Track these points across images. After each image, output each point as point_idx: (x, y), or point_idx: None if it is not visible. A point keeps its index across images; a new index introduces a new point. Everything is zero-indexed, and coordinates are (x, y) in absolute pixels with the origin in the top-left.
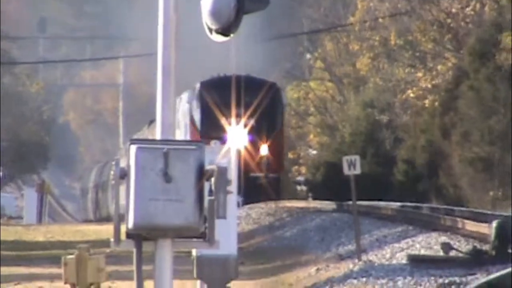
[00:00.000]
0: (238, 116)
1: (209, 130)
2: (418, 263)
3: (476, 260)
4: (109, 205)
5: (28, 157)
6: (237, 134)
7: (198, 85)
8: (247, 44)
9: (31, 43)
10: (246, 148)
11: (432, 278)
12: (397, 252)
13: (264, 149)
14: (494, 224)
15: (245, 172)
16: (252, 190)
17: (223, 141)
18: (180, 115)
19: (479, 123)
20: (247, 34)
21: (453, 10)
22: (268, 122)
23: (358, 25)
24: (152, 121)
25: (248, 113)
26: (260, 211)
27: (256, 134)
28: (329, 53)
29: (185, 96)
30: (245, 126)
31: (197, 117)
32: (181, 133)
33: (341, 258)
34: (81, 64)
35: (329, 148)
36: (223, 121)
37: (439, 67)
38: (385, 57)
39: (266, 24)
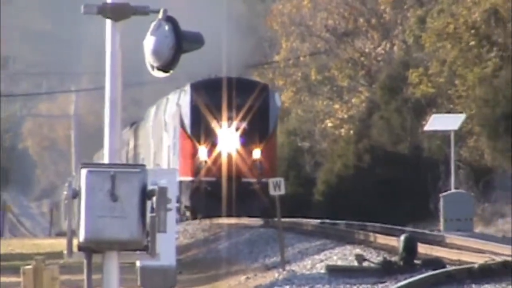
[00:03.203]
0: (230, 118)
1: (200, 133)
2: (335, 272)
3: (386, 270)
4: (62, 221)
5: None
6: (228, 137)
7: (188, 87)
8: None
9: None
10: (238, 152)
11: (348, 286)
12: (316, 263)
13: (256, 153)
14: (402, 237)
15: (237, 177)
16: (245, 196)
17: (214, 144)
18: (167, 117)
19: (388, 149)
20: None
21: (366, 50)
22: (261, 125)
23: (282, 62)
24: (133, 123)
25: (240, 115)
26: (196, 227)
27: (248, 137)
28: None
29: (173, 97)
30: (237, 129)
31: (187, 119)
32: (169, 136)
33: (267, 268)
34: (38, 97)
35: None
36: (214, 124)
37: (353, 100)
38: (306, 91)
39: (201, 61)
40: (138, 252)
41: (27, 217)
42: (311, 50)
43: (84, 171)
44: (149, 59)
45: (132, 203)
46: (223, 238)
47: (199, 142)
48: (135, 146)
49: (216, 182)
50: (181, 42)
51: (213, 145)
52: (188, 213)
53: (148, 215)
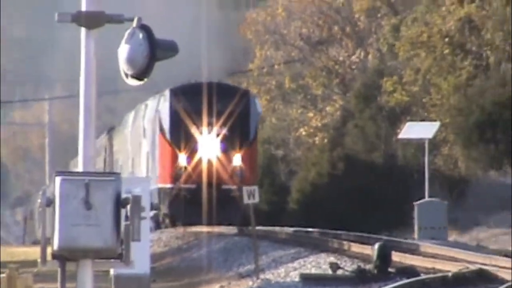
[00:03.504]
0: (210, 124)
1: (179, 139)
2: (309, 281)
3: (360, 278)
4: (36, 230)
5: None
6: (209, 143)
7: (167, 92)
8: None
9: None
10: (218, 158)
11: None
12: (291, 271)
13: (237, 160)
14: (376, 246)
15: (217, 184)
16: (225, 203)
17: (194, 150)
18: (146, 123)
19: (363, 158)
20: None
21: (341, 58)
22: (242, 131)
23: (256, 71)
24: (111, 129)
25: (221, 121)
26: (170, 235)
27: (229, 143)
28: None
29: (152, 103)
30: (218, 135)
31: (166, 125)
32: (148, 143)
33: (241, 276)
34: (11, 105)
35: None
36: (194, 130)
37: (328, 108)
38: (280, 99)
39: (176, 70)
40: (112, 260)
41: (1, 226)
42: (285, 58)
43: (58, 179)
44: (123, 67)
45: (106, 211)
46: (197, 247)
47: (178, 148)
48: (113, 152)
49: (196, 189)
50: (155, 50)
51: (193, 151)
52: (167, 221)
53: (123, 223)
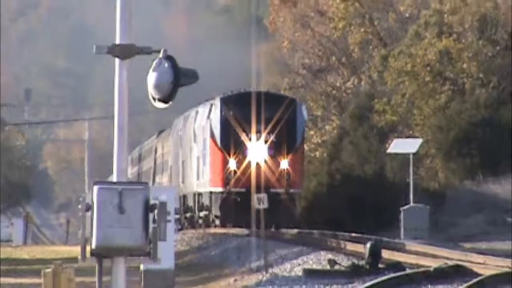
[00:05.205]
0: (259, 131)
1: (230, 145)
2: (311, 274)
3: (354, 272)
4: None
5: (16, 195)
6: (257, 149)
7: (218, 101)
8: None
9: (19, 109)
10: (266, 163)
11: (322, 286)
12: (295, 267)
13: (284, 164)
14: (368, 245)
15: (266, 187)
16: (273, 206)
17: (244, 156)
18: (196, 129)
19: (356, 170)
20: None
21: (337, 84)
22: (289, 137)
23: None
24: (161, 132)
25: (269, 128)
26: (191, 236)
27: (277, 149)
28: None
29: (202, 110)
30: (266, 141)
31: (217, 132)
32: (198, 148)
33: (252, 271)
34: (56, 124)
35: None
36: (243, 136)
37: (326, 127)
38: None
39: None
40: (142, 257)
41: (47, 227)
42: (290, 84)
43: (96, 188)
44: (151, 92)
45: (137, 215)
46: (214, 246)
47: (229, 154)
48: (163, 154)
49: (245, 193)
50: (179, 77)
51: (242, 156)
52: (217, 222)
53: (151, 225)
